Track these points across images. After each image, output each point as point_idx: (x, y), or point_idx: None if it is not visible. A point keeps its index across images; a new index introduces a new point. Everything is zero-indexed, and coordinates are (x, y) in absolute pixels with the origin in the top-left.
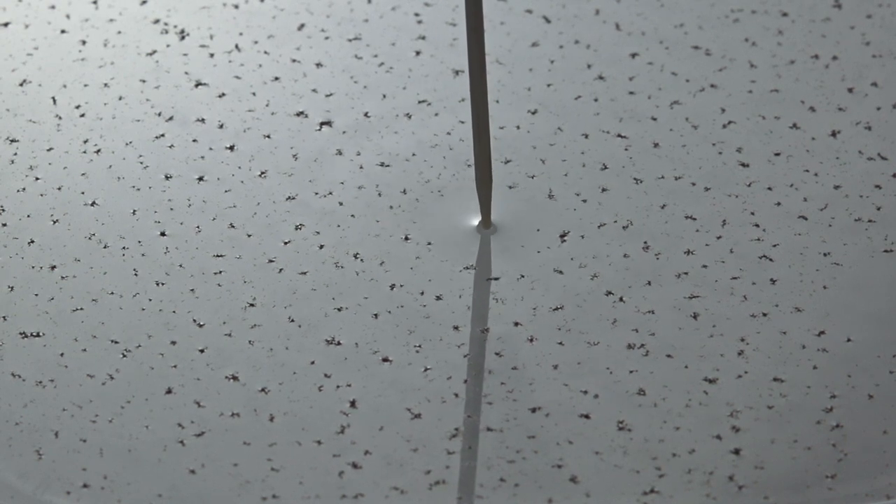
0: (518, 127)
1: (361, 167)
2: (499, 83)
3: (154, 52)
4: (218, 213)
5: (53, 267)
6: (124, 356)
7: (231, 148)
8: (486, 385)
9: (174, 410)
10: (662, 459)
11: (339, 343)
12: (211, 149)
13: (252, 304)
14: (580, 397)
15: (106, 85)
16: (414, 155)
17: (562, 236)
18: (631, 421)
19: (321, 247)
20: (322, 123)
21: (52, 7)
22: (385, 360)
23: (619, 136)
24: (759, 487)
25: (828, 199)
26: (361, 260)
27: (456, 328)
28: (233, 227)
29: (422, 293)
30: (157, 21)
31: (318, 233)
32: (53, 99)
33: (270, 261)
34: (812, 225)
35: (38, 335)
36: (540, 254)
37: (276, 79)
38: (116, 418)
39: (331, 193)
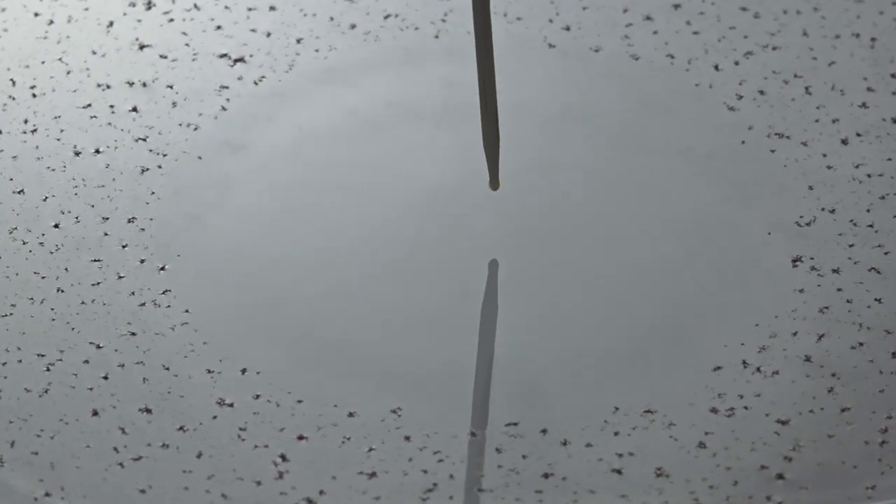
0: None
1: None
2: None
3: (112, 23)
4: (95, 199)
5: None
6: (48, 370)
7: (134, 109)
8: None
9: (103, 435)
10: (700, 492)
11: (231, 405)
12: (114, 112)
13: (133, 334)
14: (614, 459)
15: (60, 60)
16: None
17: None
18: (671, 469)
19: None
20: (236, 60)
21: None
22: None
23: (716, 67)
24: (797, 503)
25: None
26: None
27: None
28: (105, 219)
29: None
30: None
31: (144, 249)
32: (12, 80)
33: (120, 277)
34: None
35: None
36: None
37: (219, 27)
38: (58, 435)
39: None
